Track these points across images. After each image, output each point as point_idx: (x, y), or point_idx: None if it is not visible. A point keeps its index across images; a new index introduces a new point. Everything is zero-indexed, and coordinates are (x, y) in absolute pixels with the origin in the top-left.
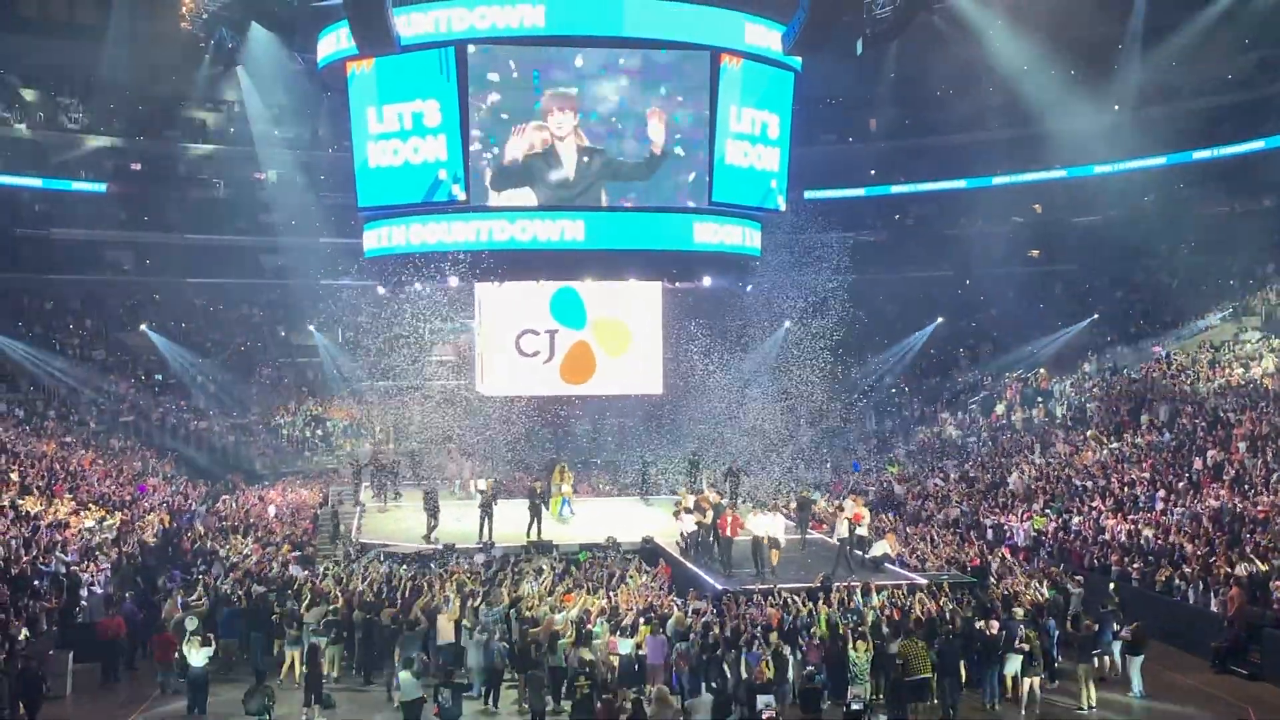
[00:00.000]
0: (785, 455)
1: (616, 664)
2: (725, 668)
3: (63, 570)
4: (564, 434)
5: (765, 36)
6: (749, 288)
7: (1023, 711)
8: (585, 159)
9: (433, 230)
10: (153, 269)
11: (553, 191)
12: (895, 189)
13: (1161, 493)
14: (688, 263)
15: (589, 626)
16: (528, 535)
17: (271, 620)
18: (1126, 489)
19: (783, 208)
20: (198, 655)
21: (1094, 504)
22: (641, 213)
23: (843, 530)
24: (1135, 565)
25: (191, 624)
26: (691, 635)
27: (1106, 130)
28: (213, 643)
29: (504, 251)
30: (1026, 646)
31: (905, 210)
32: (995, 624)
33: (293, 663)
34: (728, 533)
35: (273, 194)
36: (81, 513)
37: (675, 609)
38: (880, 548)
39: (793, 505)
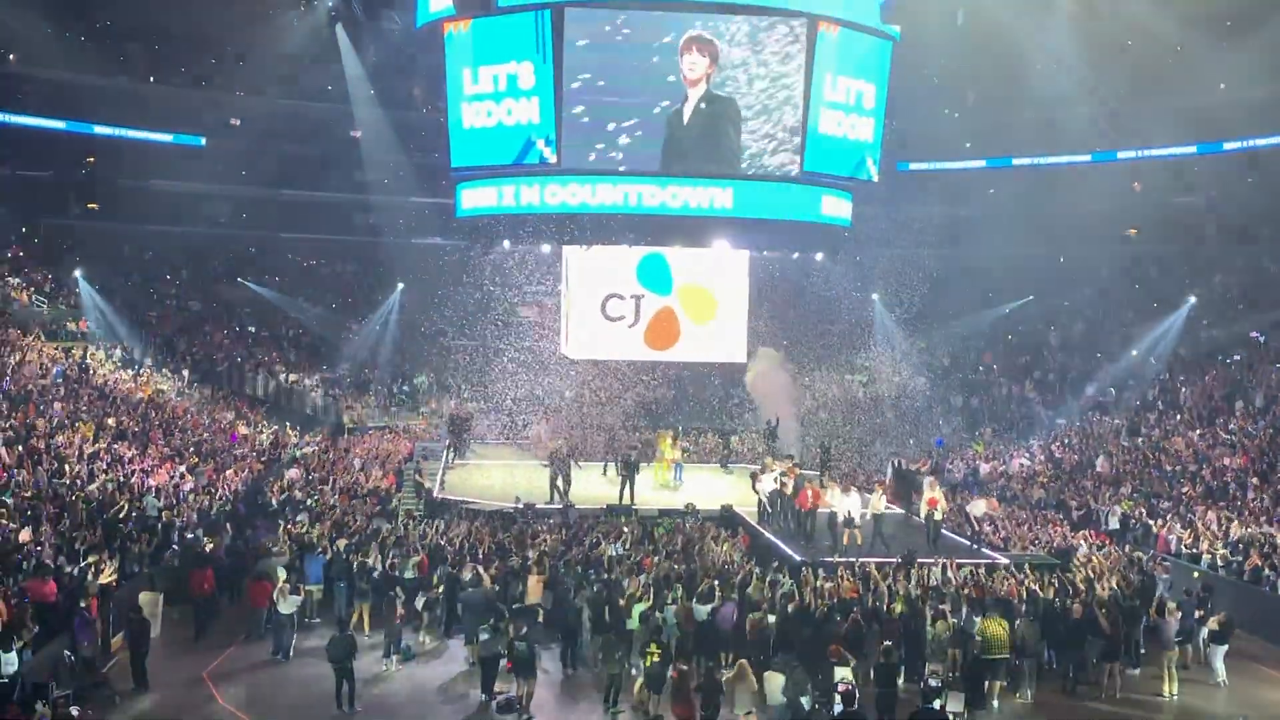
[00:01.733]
0: (869, 430)
1: (692, 631)
2: (802, 640)
3: (154, 514)
4: (648, 400)
5: (864, 4)
6: (835, 259)
7: (1103, 696)
8: (704, 105)
9: (525, 192)
10: (249, 223)
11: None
12: (990, 162)
13: (1254, 480)
14: (777, 232)
15: (666, 592)
16: (620, 499)
17: (354, 571)
18: (1218, 476)
19: (875, 178)
20: (286, 603)
21: (1184, 490)
22: (743, 181)
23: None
24: (1223, 553)
25: (280, 573)
26: (766, 605)
27: (1209, 110)
28: (301, 591)
29: (594, 216)
30: (1108, 630)
31: (1000, 184)
32: (1078, 606)
33: (362, 614)
34: (808, 505)
35: (366, 152)
36: (174, 459)
37: (754, 578)
38: (979, 507)
39: (882, 480)
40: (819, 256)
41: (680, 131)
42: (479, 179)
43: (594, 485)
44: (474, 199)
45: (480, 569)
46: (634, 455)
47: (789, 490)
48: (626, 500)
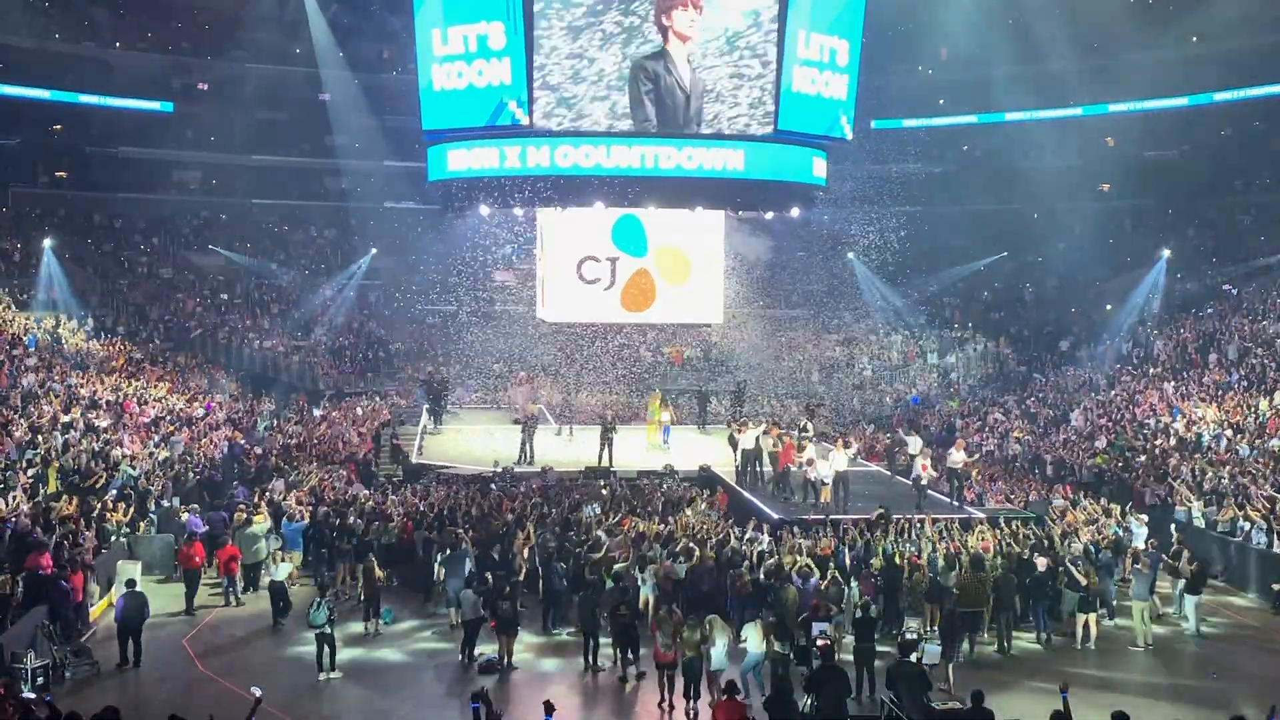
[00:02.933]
0: (846, 388)
1: (670, 589)
2: (781, 595)
3: (131, 483)
4: (625, 362)
5: None
6: (808, 216)
7: (1078, 646)
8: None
9: (497, 155)
10: (219, 189)
11: (659, 109)
12: (964, 119)
13: (1228, 432)
14: (752, 191)
15: (644, 551)
16: (599, 461)
17: (333, 536)
18: (1192, 427)
19: (850, 137)
20: (278, 570)
21: (1158, 442)
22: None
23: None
24: (1198, 504)
25: (264, 543)
26: (746, 563)
27: (1182, 63)
28: (289, 558)
29: (568, 178)
30: (1084, 582)
31: (974, 142)
32: (1042, 560)
33: (344, 575)
34: (792, 461)
35: (336, 116)
36: (149, 428)
37: (732, 537)
38: (958, 457)
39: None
40: (795, 212)
41: (674, 96)
42: (451, 141)
43: (572, 448)
44: (443, 161)
45: (460, 532)
46: (610, 417)
47: (773, 448)
48: (605, 463)
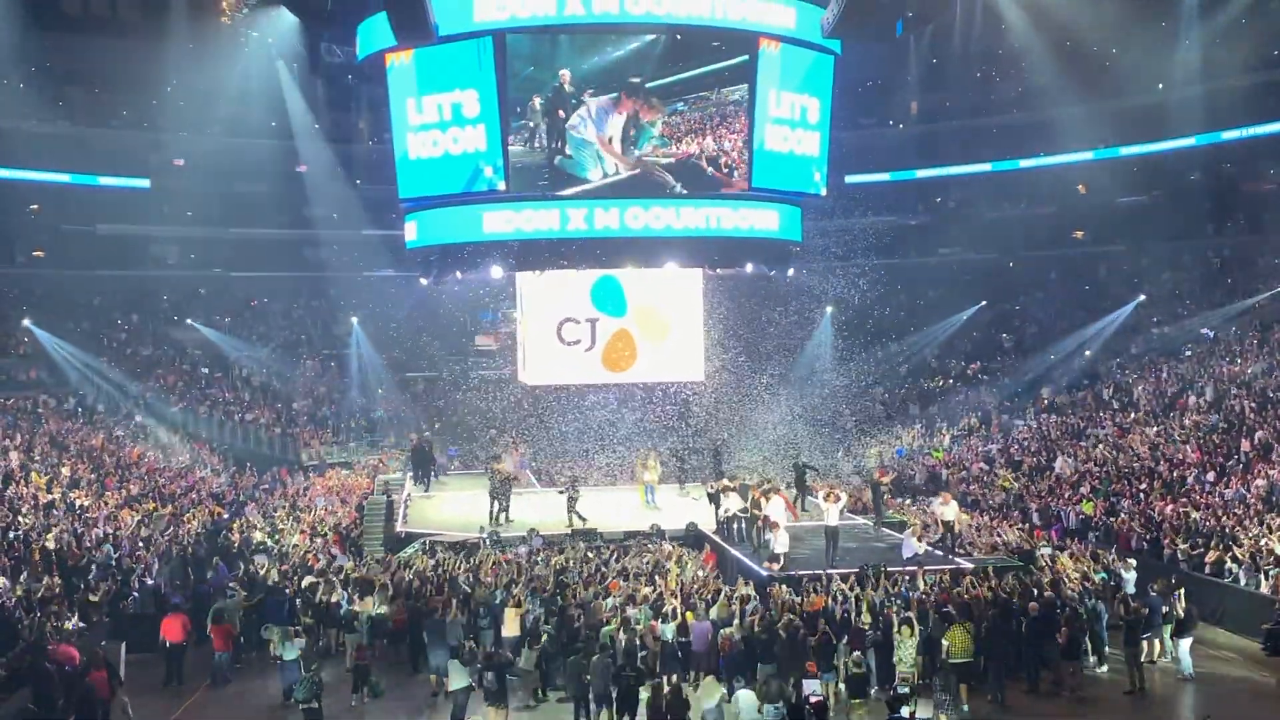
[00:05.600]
0: (830, 442)
1: (659, 649)
2: (773, 654)
3: (112, 562)
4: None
5: (804, 20)
6: (790, 273)
7: (1067, 693)
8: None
9: (473, 221)
10: (197, 263)
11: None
12: (936, 172)
13: (1211, 474)
14: (728, 249)
15: (632, 612)
16: (569, 524)
17: (320, 609)
18: (1175, 471)
19: (824, 192)
20: (290, 648)
21: (1142, 486)
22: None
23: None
24: (1184, 547)
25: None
26: (735, 621)
27: (1149, 109)
28: (301, 635)
29: (545, 241)
30: (1066, 630)
31: (947, 193)
32: (1034, 605)
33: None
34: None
35: (313, 187)
36: (130, 505)
37: (721, 595)
38: (949, 510)
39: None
40: (771, 269)
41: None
42: (425, 209)
43: (555, 510)
44: (420, 229)
45: (443, 600)
46: (570, 480)
47: (760, 511)
48: (576, 524)
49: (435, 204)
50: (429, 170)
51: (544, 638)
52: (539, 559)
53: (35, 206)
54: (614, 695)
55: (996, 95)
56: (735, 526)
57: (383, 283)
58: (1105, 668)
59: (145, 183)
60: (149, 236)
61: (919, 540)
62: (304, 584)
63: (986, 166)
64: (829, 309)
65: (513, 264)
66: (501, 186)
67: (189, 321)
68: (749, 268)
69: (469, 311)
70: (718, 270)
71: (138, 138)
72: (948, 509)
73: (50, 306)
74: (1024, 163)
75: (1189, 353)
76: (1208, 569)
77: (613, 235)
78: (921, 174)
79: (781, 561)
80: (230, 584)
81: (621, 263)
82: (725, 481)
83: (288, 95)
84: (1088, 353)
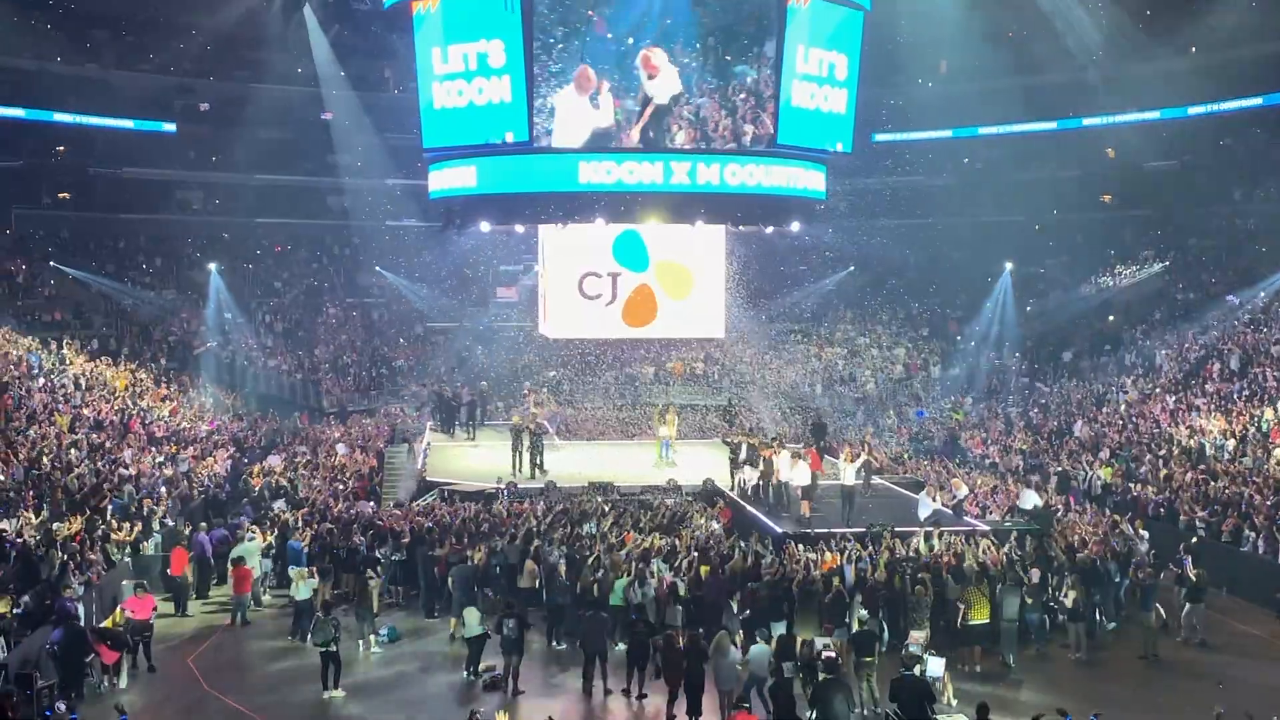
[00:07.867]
0: (849, 402)
1: (672, 603)
2: (786, 610)
3: (134, 504)
4: (625, 378)
5: None
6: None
7: (1078, 657)
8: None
9: (498, 171)
10: (221, 209)
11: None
12: (964, 132)
13: (1231, 442)
14: (752, 206)
15: (646, 566)
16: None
17: (338, 554)
18: (1195, 438)
19: (850, 150)
20: (303, 587)
21: (1161, 453)
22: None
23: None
24: (1202, 515)
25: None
26: (750, 577)
27: (1183, 73)
28: (316, 576)
29: (569, 193)
30: (1076, 594)
31: (974, 154)
32: (1035, 572)
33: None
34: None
35: (338, 135)
36: (153, 447)
37: (736, 551)
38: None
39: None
40: (795, 227)
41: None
42: (450, 159)
43: (575, 462)
44: (446, 179)
45: (468, 549)
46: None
47: (774, 467)
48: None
49: (460, 154)
50: (454, 120)
51: (558, 590)
52: (555, 511)
53: (61, 148)
54: (627, 647)
55: (1028, 55)
56: (753, 485)
57: (406, 231)
58: (1114, 624)
59: (171, 127)
60: (174, 181)
61: (934, 500)
62: (323, 528)
63: (1016, 127)
64: (852, 268)
65: (535, 217)
66: (526, 138)
67: (210, 267)
68: (770, 228)
69: (491, 263)
70: (740, 227)
71: (164, 82)
72: (960, 490)
73: (75, 249)
74: (1049, 125)
75: (1214, 321)
76: (1224, 537)
77: (637, 189)
78: (949, 134)
79: (813, 498)
80: (251, 526)
81: (645, 218)
82: (743, 437)
83: (314, 42)
84: (1110, 318)
